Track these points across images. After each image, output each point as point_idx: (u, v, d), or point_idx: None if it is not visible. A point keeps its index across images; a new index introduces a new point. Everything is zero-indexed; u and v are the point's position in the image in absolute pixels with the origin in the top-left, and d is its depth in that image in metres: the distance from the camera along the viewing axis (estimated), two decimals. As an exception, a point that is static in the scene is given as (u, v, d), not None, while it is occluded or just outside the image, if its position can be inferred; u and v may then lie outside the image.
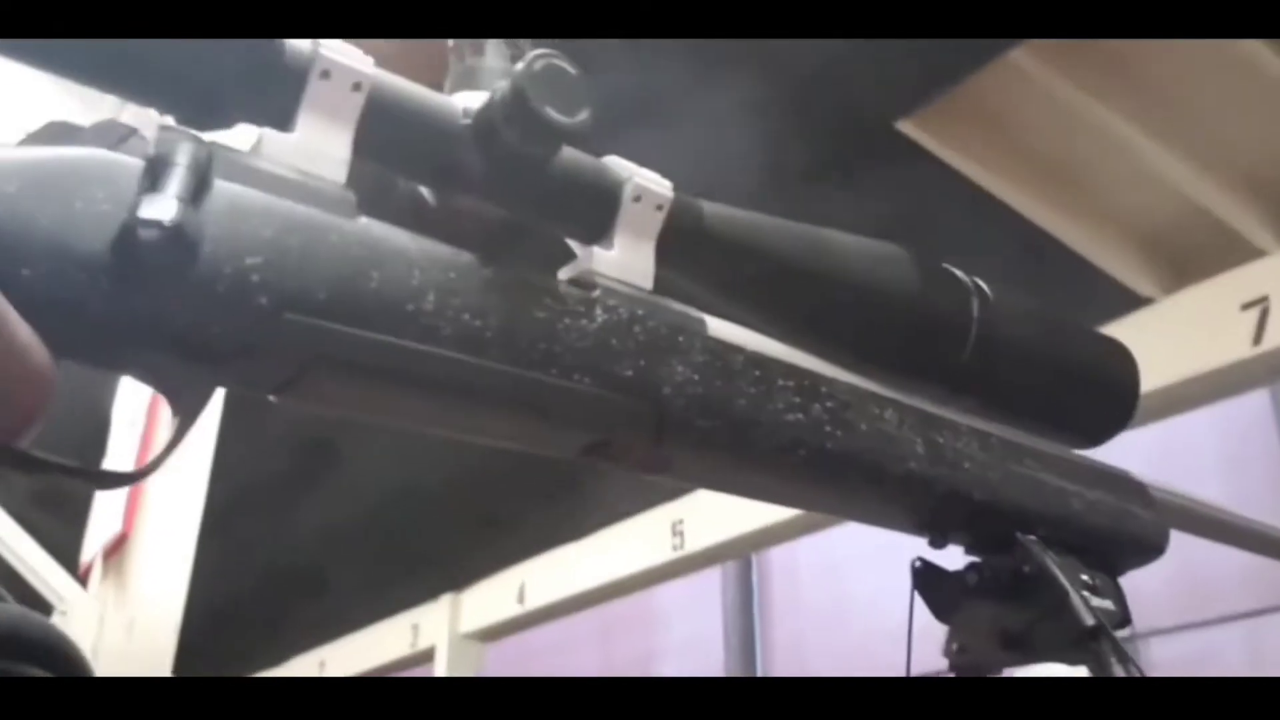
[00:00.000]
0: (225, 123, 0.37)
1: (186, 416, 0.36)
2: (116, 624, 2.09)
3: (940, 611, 0.56)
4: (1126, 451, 0.58)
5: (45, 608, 2.24)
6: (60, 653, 0.36)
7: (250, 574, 3.09)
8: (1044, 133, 1.64)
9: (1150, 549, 0.58)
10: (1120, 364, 0.57)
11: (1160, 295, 1.78)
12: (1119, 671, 0.49)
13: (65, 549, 2.35)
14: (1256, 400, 2.53)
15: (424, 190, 0.43)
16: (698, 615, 3.78)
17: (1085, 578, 0.52)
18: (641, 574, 2.64)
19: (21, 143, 0.34)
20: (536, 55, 0.40)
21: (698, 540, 2.46)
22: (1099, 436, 0.57)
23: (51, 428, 0.32)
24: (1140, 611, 0.54)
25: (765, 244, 0.48)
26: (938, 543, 0.55)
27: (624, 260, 0.45)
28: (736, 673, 3.75)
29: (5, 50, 0.34)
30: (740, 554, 3.08)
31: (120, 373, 0.37)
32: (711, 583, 3.65)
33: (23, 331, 0.30)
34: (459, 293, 0.40)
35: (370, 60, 0.40)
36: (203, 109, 0.37)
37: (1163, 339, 1.69)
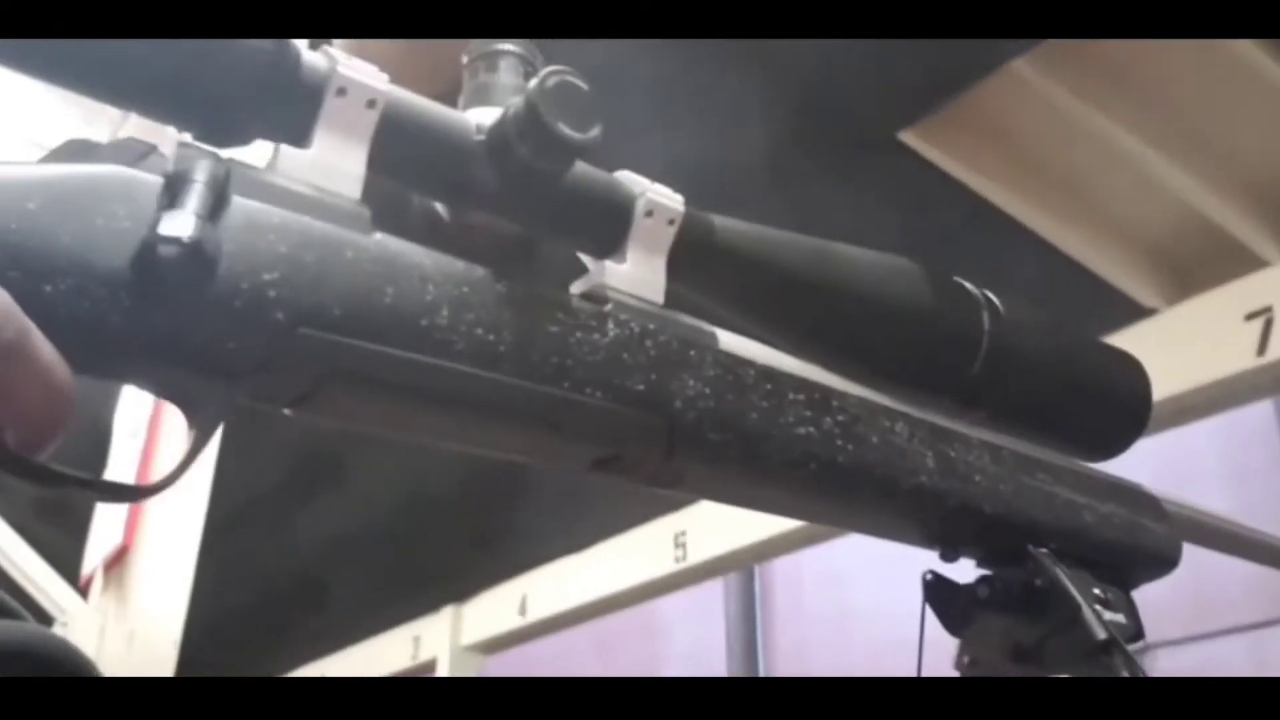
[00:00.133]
0: (242, 139, 0.37)
1: (203, 431, 0.36)
2: (117, 636, 2.08)
3: (951, 625, 0.56)
4: (1129, 463, 0.58)
5: (46, 619, 2.24)
6: (71, 668, 0.36)
7: (251, 586, 3.09)
8: (1046, 143, 1.64)
9: (1163, 562, 0.58)
10: (1131, 376, 0.57)
11: (1163, 306, 1.78)
12: (1132, 685, 0.48)
13: (66, 560, 2.35)
14: (1260, 411, 2.53)
15: (438, 205, 0.43)
16: (700, 626, 3.77)
17: (1097, 591, 0.52)
18: (643, 586, 2.63)
19: (42, 160, 0.34)
20: (550, 72, 0.40)
21: (700, 552, 2.46)
22: (1111, 449, 0.57)
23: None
24: (1147, 623, 0.54)
25: (776, 258, 0.48)
26: (949, 556, 0.55)
27: (636, 274, 0.45)
28: (738, 684, 3.74)
29: (24, 66, 0.34)
30: (743, 565, 3.08)
31: (137, 387, 0.37)
32: (714, 593, 3.64)
33: (46, 349, 0.30)
34: (473, 307, 0.40)
35: (385, 77, 0.40)
36: (220, 126, 0.37)
37: (1166, 350, 1.69)
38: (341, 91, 0.39)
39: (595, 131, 0.40)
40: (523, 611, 2.91)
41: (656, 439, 0.44)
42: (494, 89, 0.44)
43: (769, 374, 0.48)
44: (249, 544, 2.83)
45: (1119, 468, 0.59)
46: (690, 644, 3.81)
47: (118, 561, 2.10)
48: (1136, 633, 0.53)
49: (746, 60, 1.51)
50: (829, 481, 0.49)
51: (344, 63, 0.39)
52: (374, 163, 0.40)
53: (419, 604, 3.21)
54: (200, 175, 0.34)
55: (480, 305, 0.40)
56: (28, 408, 0.30)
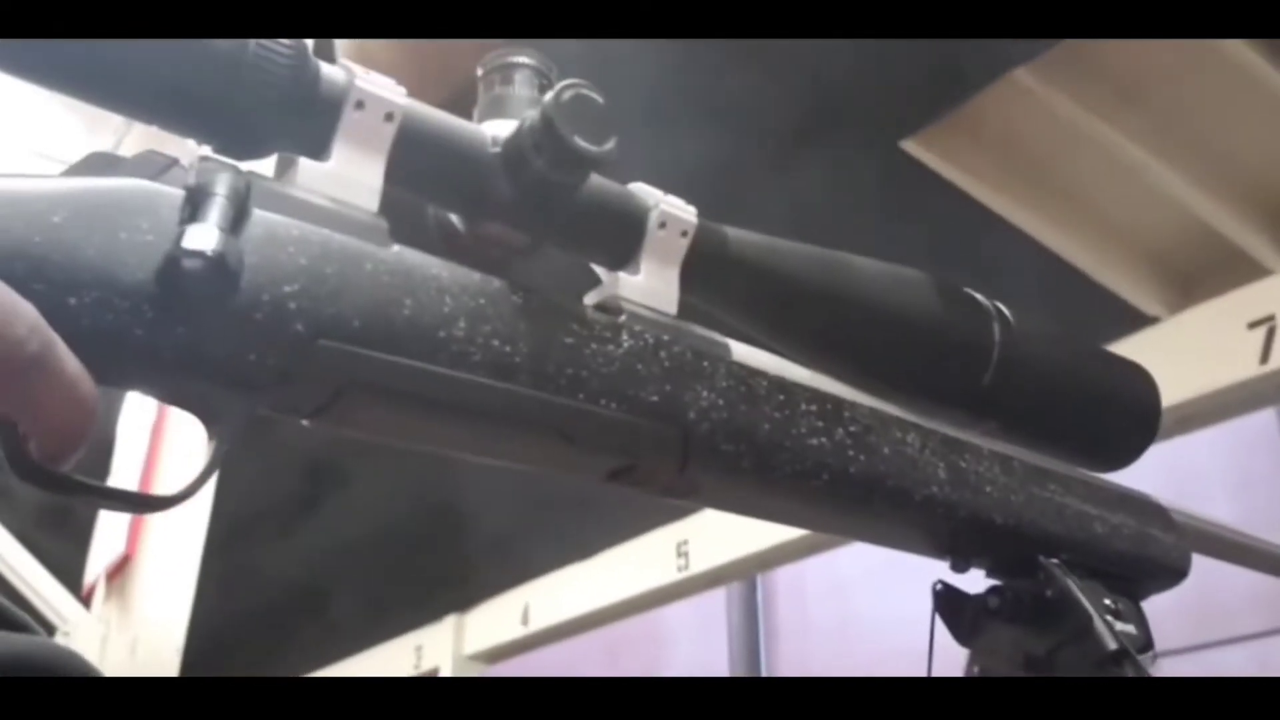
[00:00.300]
0: (262, 152, 0.38)
1: (223, 442, 0.37)
2: (120, 644, 2.08)
3: (961, 635, 0.56)
4: (1132, 472, 0.59)
5: (48, 628, 2.24)
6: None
7: (253, 595, 3.08)
8: (1049, 151, 1.64)
9: (1172, 573, 0.58)
10: (1140, 386, 0.57)
11: (1166, 314, 1.79)
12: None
13: (69, 570, 2.35)
14: (1263, 420, 2.53)
15: (454, 217, 0.43)
16: (702, 636, 3.76)
17: (1108, 602, 0.52)
18: (646, 595, 2.63)
19: (64, 173, 0.34)
20: (565, 85, 0.41)
21: (703, 561, 2.46)
22: (1120, 460, 0.57)
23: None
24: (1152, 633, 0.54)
25: (788, 269, 0.48)
26: (959, 566, 0.55)
27: (649, 286, 0.46)
28: (740, 693, 3.71)
29: (43, 77, 0.34)
30: (746, 574, 3.07)
31: (157, 399, 0.37)
32: (716, 603, 3.64)
33: (71, 362, 0.30)
34: (489, 319, 0.40)
35: (403, 91, 0.40)
36: (240, 139, 0.37)
37: (1169, 358, 1.69)
38: (360, 105, 0.39)
39: (610, 144, 0.41)
40: (525, 621, 2.91)
41: (671, 450, 0.45)
42: (509, 102, 0.44)
43: (781, 385, 0.48)
44: (251, 553, 2.83)
45: (1124, 477, 0.59)
46: (693, 655, 3.80)
47: (120, 570, 2.10)
48: (1147, 643, 0.53)
49: (749, 66, 1.52)
50: (841, 492, 0.49)
51: (362, 76, 0.39)
52: (391, 175, 0.40)
53: (421, 613, 3.20)
54: (221, 188, 0.35)
55: (496, 317, 0.40)
56: (52, 419, 0.30)
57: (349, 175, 0.39)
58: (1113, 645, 0.50)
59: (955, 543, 0.54)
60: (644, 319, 0.45)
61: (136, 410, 2.18)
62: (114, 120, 1.83)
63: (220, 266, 0.33)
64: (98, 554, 2.29)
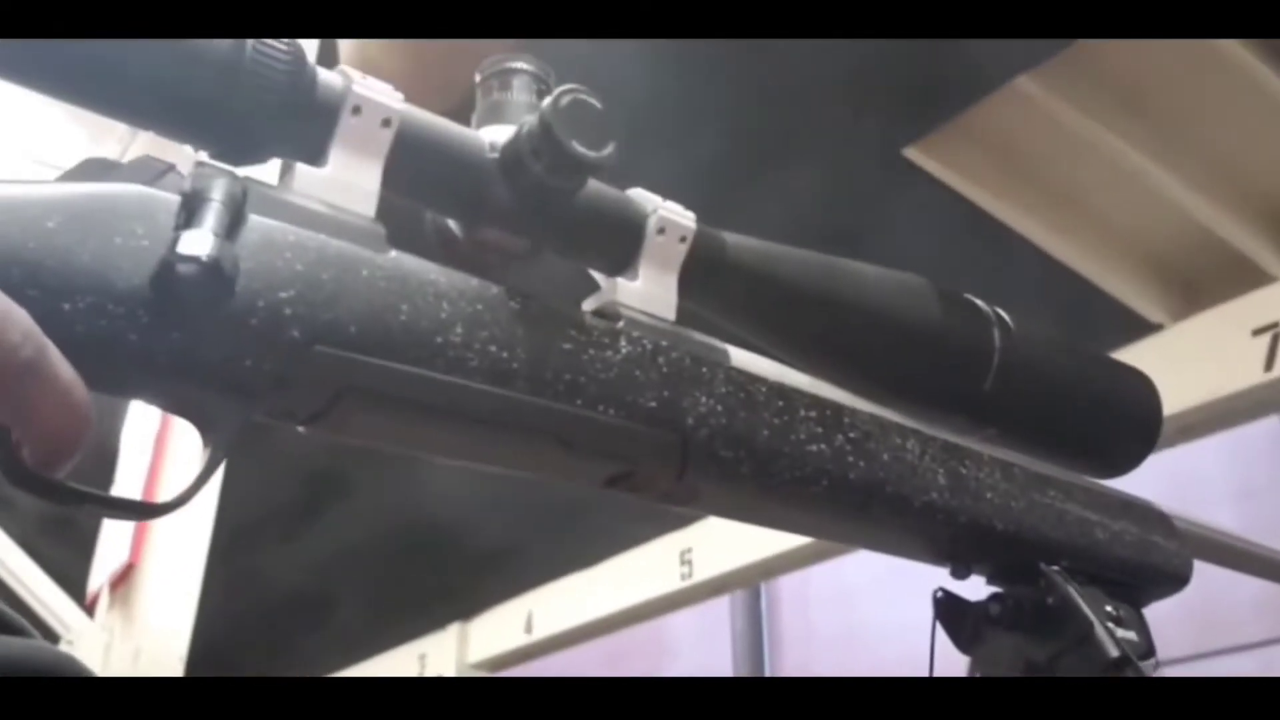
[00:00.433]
0: (259, 158, 0.38)
1: (219, 448, 0.36)
2: (123, 653, 2.08)
3: (962, 643, 0.55)
4: (1137, 479, 0.58)
5: (52, 637, 2.24)
6: None
7: (257, 604, 3.08)
8: (1051, 158, 1.64)
9: (1174, 580, 0.58)
10: (1142, 392, 0.57)
11: (1170, 321, 1.78)
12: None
13: (72, 578, 2.34)
14: (1268, 427, 2.52)
15: (451, 223, 0.43)
16: (706, 644, 3.76)
17: (1110, 609, 0.52)
18: (649, 603, 2.62)
19: (60, 178, 0.34)
20: (563, 91, 0.41)
21: (706, 569, 2.45)
22: (1121, 466, 0.57)
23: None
24: (1155, 640, 0.54)
25: (787, 275, 0.48)
26: (960, 573, 0.55)
27: (648, 291, 0.46)
28: (744, 702, 3.69)
29: (43, 84, 0.34)
30: (750, 582, 3.07)
31: (153, 404, 0.37)
32: (720, 611, 3.63)
33: (65, 368, 0.30)
34: (486, 325, 0.40)
35: (400, 96, 0.40)
36: (237, 144, 0.37)
37: (1173, 365, 1.69)
38: (357, 110, 0.39)
39: (609, 150, 0.41)
40: (529, 629, 2.91)
41: (669, 456, 0.44)
42: (507, 107, 0.44)
43: (780, 391, 0.48)
44: (255, 561, 2.83)
45: (1126, 484, 0.59)
46: (697, 663, 3.79)
47: (124, 579, 2.10)
48: (1148, 650, 0.52)
49: (750, 70, 1.52)
50: (840, 499, 0.49)
51: (359, 82, 0.39)
52: (388, 180, 0.40)
53: (425, 621, 3.20)
54: (218, 194, 0.35)
55: (494, 322, 0.40)
56: (46, 426, 0.30)
57: (346, 181, 0.39)
58: (1114, 652, 0.49)
59: (955, 549, 0.53)
60: (642, 325, 0.45)
61: (139, 420, 2.18)
62: (118, 129, 1.84)
63: (216, 272, 0.33)
64: (101, 562, 2.29)
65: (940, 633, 0.56)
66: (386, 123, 0.40)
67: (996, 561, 0.54)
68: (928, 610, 0.55)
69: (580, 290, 0.46)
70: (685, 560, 2.49)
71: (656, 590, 2.57)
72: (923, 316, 0.50)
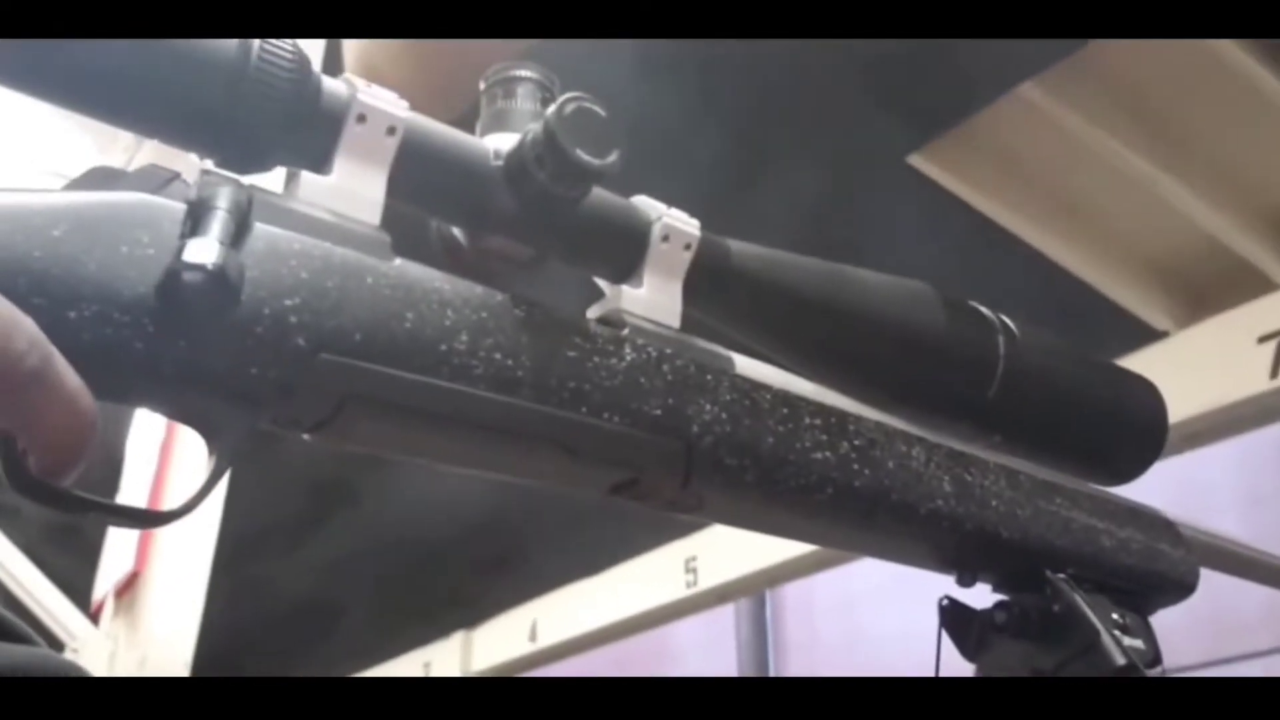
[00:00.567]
0: (264, 166, 0.38)
1: (224, 456, 0.37)
2: (128, 662, 2.08)
3: (968, 651, 0.55)
4: (1142, 487, 0.58)
5: (56, 645, 2.24)
6: None
7: (262, 612, 3.08)
8: (1056, 165, 1.64)
9: (1181, 587, 0.58)
10: (1147, 399, 0.57)
11: (1175, 329, 1.78)
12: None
13: (77, 586, 2.35)
14: (1274, 435, 2.51)
15: (456, 231, 0.43)
16: (711, 652, 3.75)
17: (1116, 617, 0.52)
18: (654, 611, 2.62)
19: (66, 187, 0.34)
20: (568, 99, 0.41)
21: (711, 577, 2.45)
22: (1127, 473, 0.57)
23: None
24: (1164, 649, 0.54)
25: (791, 282, 0.48)
26: (965, 581, 0.55)
27: (652, 299, 0.46)
28: (749, 711, 3.68)
29: (49, 93, 0.34)
30: (754, 590, 3.07)
31: (158, 413, 0.37)
32: (725, 619, 3.63)
33: (70, 376, 0.30)
34: (491, 332, 0.40)
35: (405, 104, 0.40)
36: (242, 152, 0.37)
37: (1178, 373, 1.69)
38: (361, 118, 0.39)
39: (613, 157, 0.41)
40: (533, 637, 2.90)
41: (674, 464, 0.44)
42: (511, 115, 0.44)
43: (785, 398, 0.48)
44: (260, 570, 2.83)
45: (1132, 491, 0.59)
46: (702, 671, 3.78)
47: (129, 587, 2.10)
48: (1155, 658, 0.52)
49: (754, 77, 1.52)
50: (846, 506, 0.49)
51: (364, 90, 0.39)
52: (393, 188, 0.40)
53: (430, 629, 3.20)
54: (223, 202, 0.35)
55: (499, 330, 0.40)
56: (52, 434, 0.30)
57: (351, 189, 0.39)
58: (1120, 660, 0.49)
59: (961, 557, 0.53)
60: (647, 332, 0.45)
61: (145, 428, 2.18)
62: (125, 138, 1.84)
63: (221, 280, 0.33)
64: (106, 571, 2.29)
65: (946, 640, 0.55)
66: (391, 131, 0.40)
67: (1002, 569, 0.54)
68: (933, 618, 0.55)
69: (585, 298, 0.46)
70: (690, 568, 2.49)
71: (661, 598, 2.56)
72: (927, 323, 0.50)
